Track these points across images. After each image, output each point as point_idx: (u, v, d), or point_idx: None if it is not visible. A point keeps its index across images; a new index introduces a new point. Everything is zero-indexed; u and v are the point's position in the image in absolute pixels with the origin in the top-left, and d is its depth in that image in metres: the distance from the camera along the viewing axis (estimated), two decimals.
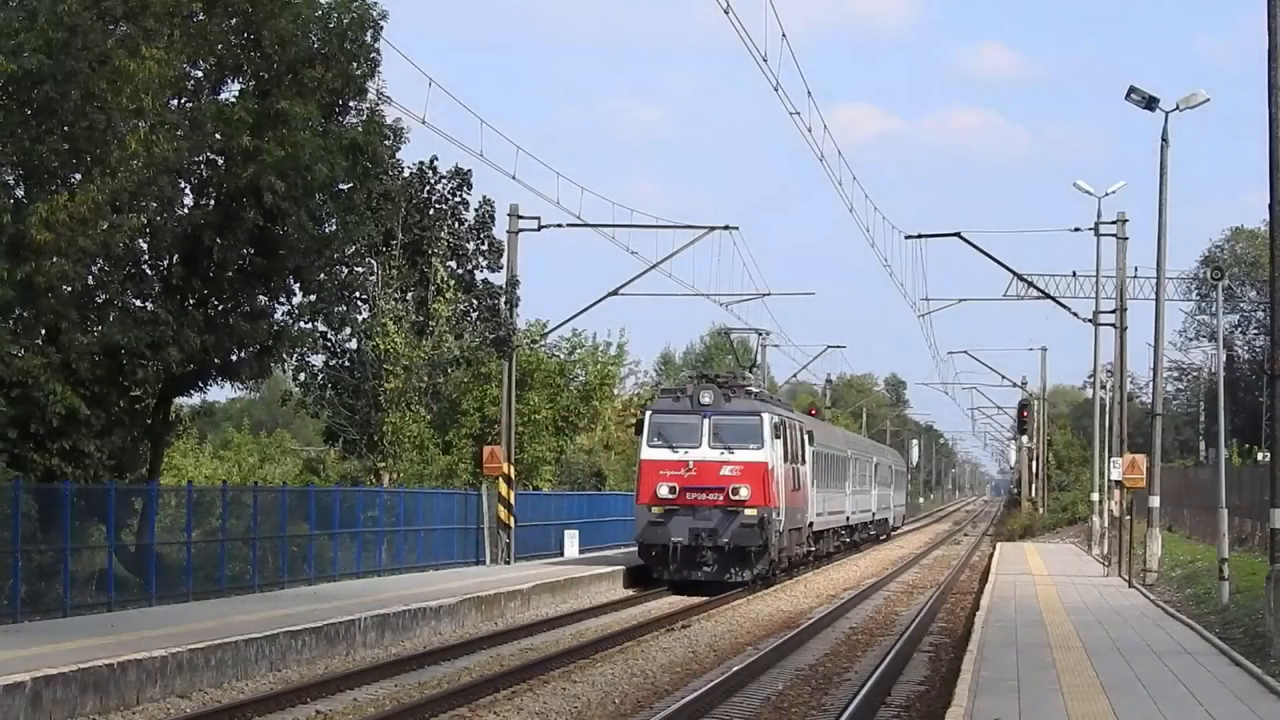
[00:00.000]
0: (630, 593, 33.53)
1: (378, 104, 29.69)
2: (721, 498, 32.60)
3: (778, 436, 34.08)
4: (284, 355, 29.77)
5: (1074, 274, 55.50)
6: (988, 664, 17.01)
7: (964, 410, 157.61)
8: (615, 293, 39.29)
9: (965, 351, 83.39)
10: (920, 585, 39.15)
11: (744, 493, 32.48)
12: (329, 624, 20.99)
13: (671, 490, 32.63)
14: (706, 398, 33.28)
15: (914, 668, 21.52)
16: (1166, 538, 39.01)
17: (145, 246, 26.35)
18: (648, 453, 33.50)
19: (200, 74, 27.17)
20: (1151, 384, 40.28)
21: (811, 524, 41.08)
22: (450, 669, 20.09)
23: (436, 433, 38.70)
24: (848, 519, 51.49)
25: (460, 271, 38.42)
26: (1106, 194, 42.54)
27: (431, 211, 37.78)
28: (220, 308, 27.60)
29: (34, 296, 22.06)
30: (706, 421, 33.07)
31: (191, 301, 27.08)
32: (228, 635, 18.82)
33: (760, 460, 32.98)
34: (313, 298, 29.35)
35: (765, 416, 33.83)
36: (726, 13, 21.69)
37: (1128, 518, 34.16)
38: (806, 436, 39.74)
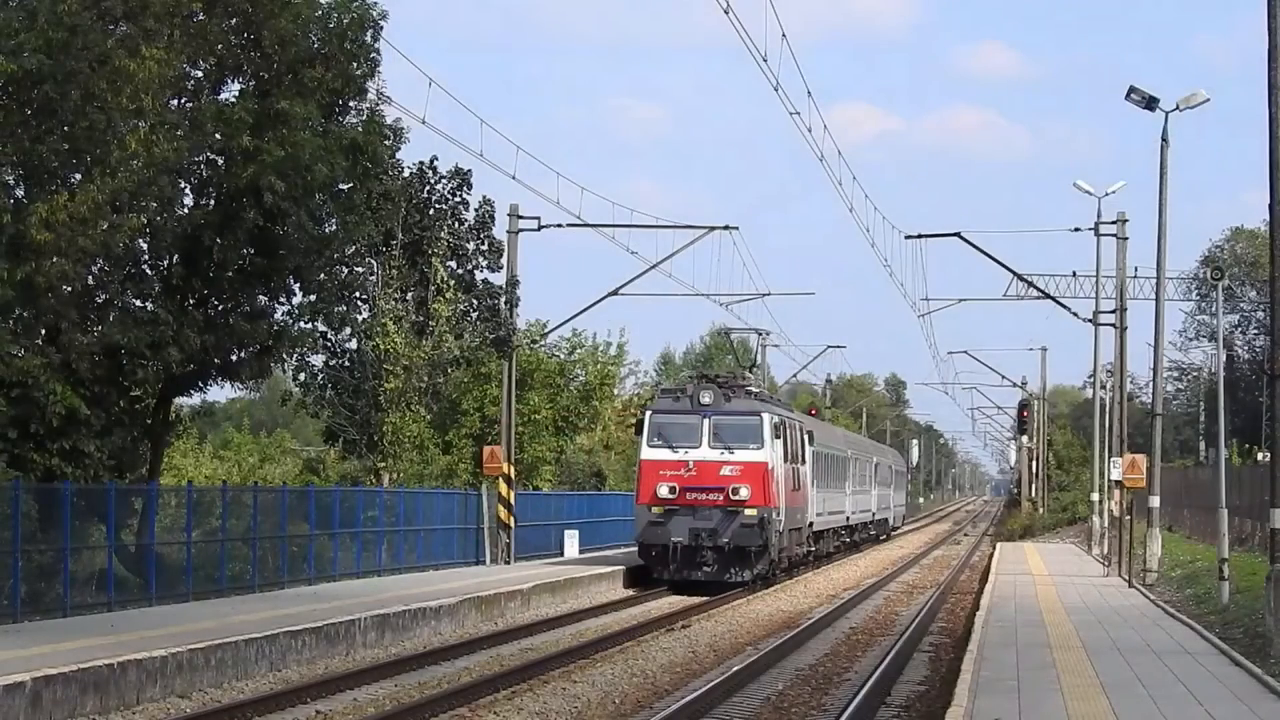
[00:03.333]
0: (630, 593, 33.51)
1: (378, 104, 29.69)
2: (721, 498, 32.51)
3: (778, 436, 33.99)
4: (284, 355, 29.78)
5: (1074, 274, 55.58)
6: (988, 664, 17.01)
7: (964, 410, 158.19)
8: (615, 293, 39.32)
9: (965, 351, 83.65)
10: (920, 585, 39.16)
11: (744, 493, 32.40)
12: (329, 624, 20.99)
13: (671, 490, 32.56)
14: (706, 398, 33.23)
15: (914, 668, 21.53)
16: (1166, 538, 38.99)
17: (145, 246, 26.36)
18: (648, 453, 33.42)
19: (200, 74, 27.17)
20: (1151, 384, 40.28)
21: (811, 524, 41.08)
22: (450, 669, 20.10)
23: (436, 433, 38.70)
24: (848, 519, 51.49)
25: (460, 271, 38.43)
26: (1106, 194, 42.59)
27: (431, 211, 37.79)
28: (220, 308, 27.61)
29: (34, 296, 22.06)
30: (706, 421, 33.00)
31: (191, 301, 27.09)
32: (228, 635, 18.83)
33: (760, 460, 32.90)
34: (313, 298, 29.35)
35: (765, 416, 33.75)
36: (726, 13, 21.70)
37: (1128, 518, 34.15)
38: (806, 436, 39.74)
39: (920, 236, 39.56)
